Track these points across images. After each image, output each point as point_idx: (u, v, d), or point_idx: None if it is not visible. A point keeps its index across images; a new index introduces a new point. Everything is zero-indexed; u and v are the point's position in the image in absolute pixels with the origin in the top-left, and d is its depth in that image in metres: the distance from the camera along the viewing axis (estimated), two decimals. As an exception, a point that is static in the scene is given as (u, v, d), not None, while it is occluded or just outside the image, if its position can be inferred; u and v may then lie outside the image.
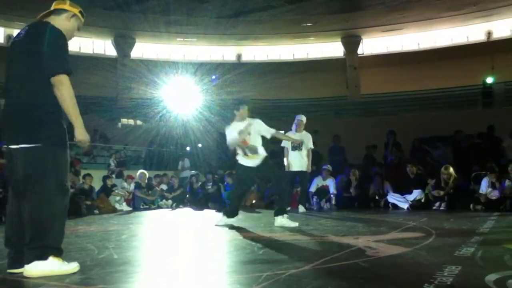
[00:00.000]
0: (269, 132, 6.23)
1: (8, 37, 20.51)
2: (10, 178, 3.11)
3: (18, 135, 2.97)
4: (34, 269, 2.85)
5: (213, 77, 19.90)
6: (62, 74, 2.93)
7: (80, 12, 3.24)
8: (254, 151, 6.05)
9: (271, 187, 10.80)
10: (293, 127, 8.92)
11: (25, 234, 2.90)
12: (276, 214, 5.96)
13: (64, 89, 2.92)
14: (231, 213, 6.30)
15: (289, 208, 8.50)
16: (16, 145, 2.96)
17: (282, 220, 5.87)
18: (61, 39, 3.02)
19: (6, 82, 3.10)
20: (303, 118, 8.95)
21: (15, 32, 20.34)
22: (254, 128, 6.12)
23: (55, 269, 2.89)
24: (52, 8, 3.17)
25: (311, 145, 8.88)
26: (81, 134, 3.02)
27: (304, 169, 8.85)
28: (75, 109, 2.97)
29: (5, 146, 3.05)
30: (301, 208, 8.79)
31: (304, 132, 8.90)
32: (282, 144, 8.89)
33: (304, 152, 8.81)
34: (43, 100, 2.94)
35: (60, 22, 3.13)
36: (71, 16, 3.20)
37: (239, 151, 6.13)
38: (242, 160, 6.14)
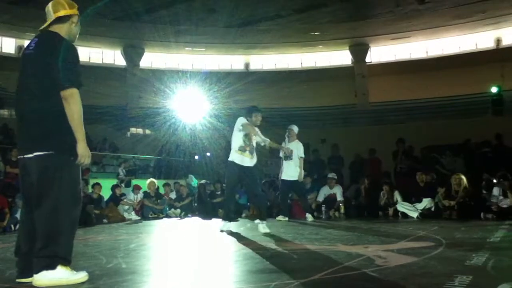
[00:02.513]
0: (263, 141, 6.66)
1: (19, 48, 20.76)
2: (23, 188, 3.14)
3: (31, 143, 3.01)
4: (43, 278, 2.87)
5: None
6: (72, 88, 2.97)
7: (78, 9, 3.23)
8: (252, 153, 6.49)
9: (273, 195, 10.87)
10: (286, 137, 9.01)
11: (35, 243, 2.92)
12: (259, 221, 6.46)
13: (72, 103, 2.97)
14: (227, 216, 6.71)
15: (286, 218, 8.72)
16: (30, 154, 2.99)
17: (261, 227, 6.31)
18: (73, 52, 3.06)
19: (18, 92, 3.14)
20: (293, 128, 8.99)
21: (26, 43, 20.60)
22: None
23: (63, 278, 2.90)
24: (53, 16, 3.14)
25: (301, 154, 8.83)
26: (83, 148, 3.03)
27: (295, 178, 8.81)
28: (80, 124, 3.01)
29: (20, 156, 3.10)
30: (310, 217, 8.76)
31: (296, 141, 8.92)
32: (280, 155, 8.98)
33: (295, 161, 8.76)
34: (56, 109, 2.98)
35: (66, 29, 3.18)
36: (76, 19, 3.22)
37: (242, 146, 6.45)
38: (235, 157, 6.45)
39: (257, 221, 6.50)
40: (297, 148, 8.77)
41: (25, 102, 3.08)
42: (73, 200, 3.03)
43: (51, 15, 3.15)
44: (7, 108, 17.78)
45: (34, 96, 3.02)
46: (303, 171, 8.88)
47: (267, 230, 6.22)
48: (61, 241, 2.94)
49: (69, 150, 3.01)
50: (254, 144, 6.56)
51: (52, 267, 2.88)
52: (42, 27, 3.19)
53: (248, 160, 6.45)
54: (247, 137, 6.47)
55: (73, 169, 3.05)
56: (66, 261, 2.97)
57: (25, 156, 3.03)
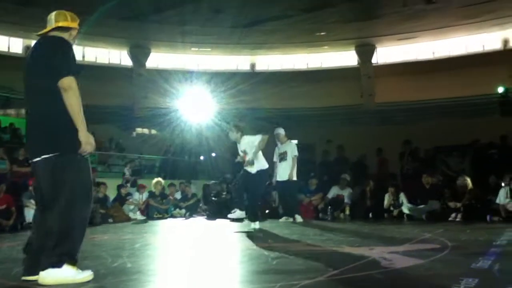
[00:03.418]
0: (254, 144, 7.21)
1: (27, 48, 20.85)
2: (35, 188, 3.25)
3: (37, 147, 3.07)
4: (49, 276, 2.89)
5: None
6: (68, 76, 2.99)
7: (78, 24, 3.35)
8: (251, 164, 7.15)
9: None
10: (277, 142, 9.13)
11: (45, 242, 2.94)
12: (249, 220, 7.24)
13: (71, 91, 2.99)
14: (251, 217, 7.23)
15: (291, 219, 8.70)
16: (38, 158, 3.03)
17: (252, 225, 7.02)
18: (64, 44, 3.14)
19: (25, 94, 3.20)
20: (280, 131, 9.14)
21: (33, 42, 20.69)
22: (247, 145, 7.24)
23: (69, 277, 2.92)
24: (54, 24, 3.22)
25: (295, 153, 8.88)
26: (84, 136, 3.04)
27: (287, 178, 8.80)
28: (80, 112, 3.03)
29: (30, 160, 3.15)
30: (298, 218, 8.69)
31: (288, 141, 9.08)
32: (274, 159, 9.04)
33: (288, 162, 8.81)
34: (59, 109, 3.00)
35: (65, 37, 3.24)
36: (75, 33, 3.33)
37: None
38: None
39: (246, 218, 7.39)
40: (290, 148, 8.89)
41: (30, 104, 3.14)
42: (84, 200, 3.07)
43: (52, 23, 3.23)
44: (14, 108, 17.90)
45: (38, 98, 3.09)
46: (295, 170, 8.85)
47: (253, 227, 6.93)
48: (71, 240, 2.99)
49: (76, 149, 3.04)
50: (251, 155, 7.18)
51: (59, 265, 2.90)
52: (41, 32, 3.26)
53: (251, 168, 7.21)
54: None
55: (82, 168, 3.08)
56: (73, 260, 2.98)
57: (34, 160, 3.08)
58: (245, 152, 7.25)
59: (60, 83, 2.98)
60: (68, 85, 2.99)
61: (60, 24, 3.22)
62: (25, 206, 8.32)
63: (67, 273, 2.92)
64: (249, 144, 7.22)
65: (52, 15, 3.25)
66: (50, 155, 3.01)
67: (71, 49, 3.14)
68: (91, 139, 3.09)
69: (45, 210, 3.03)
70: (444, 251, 4.29)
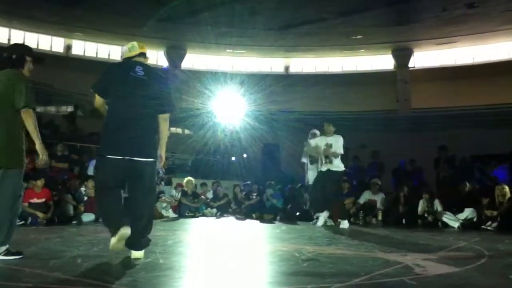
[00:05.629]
0: (338, 150, 7.87)
1: (68, 47, 21.50)
2: (118, 178, 3.79)
3: (146, 151, 3.85)
4: (139, 254, 3.84)
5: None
6: (171, 112, 4.04)
7: None
8: (335, 156, 7.82)
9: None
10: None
11: (139, 221, 3.83)
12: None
13: (168, 123, 4.07)
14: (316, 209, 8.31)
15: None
16: (144, 158, 3.81)
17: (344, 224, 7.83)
18: (171, 86, 4.22)
19: (126, 107, 3.82)
20: (316, 132, 9.08)
21: (74, 42, 21.36)
22: (335, 142, 7.87)
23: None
24: (139, 50, 4.04)
25: None
26: (164, 155, 4.11)
27: None
28: (166, 139, 4.09)
29: (128, 157, 3.74)
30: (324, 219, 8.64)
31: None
32: (302, 160, 9.26)
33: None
34: (157, 127, 3.98)
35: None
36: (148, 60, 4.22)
37: (321, 158, 8.02)
38: (321, 167, 8.06)
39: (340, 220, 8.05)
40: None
41: (138, 119, 3.82)
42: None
43: (136, 49, 4.05)
44: (55, 105, 18.46)
45: (148, 114, 3.88)
46: None
47: (344, 226, 7.70)
48: (152, 225, 4.04)
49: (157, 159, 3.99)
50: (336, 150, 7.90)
51: (147, 246, 3.95)
52: (129, 55, 4.05)
53: (328, 166, 7.92)
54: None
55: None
56: None
57: (137, 158, 3.78)
58: (330, 146, 7.85)
59: (164, 115, 3.99)
60: (168, 117, 4.04)
61: (145, 50, 4.09)
62: (67, 202, 8.67)
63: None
64: (335, 143, 7.87)
65: (135, 42, 4.12)
66: (153, 159, 3.90)
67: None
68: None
69: (135, 197, 3.83)
70: (481, 260, 4.16)
